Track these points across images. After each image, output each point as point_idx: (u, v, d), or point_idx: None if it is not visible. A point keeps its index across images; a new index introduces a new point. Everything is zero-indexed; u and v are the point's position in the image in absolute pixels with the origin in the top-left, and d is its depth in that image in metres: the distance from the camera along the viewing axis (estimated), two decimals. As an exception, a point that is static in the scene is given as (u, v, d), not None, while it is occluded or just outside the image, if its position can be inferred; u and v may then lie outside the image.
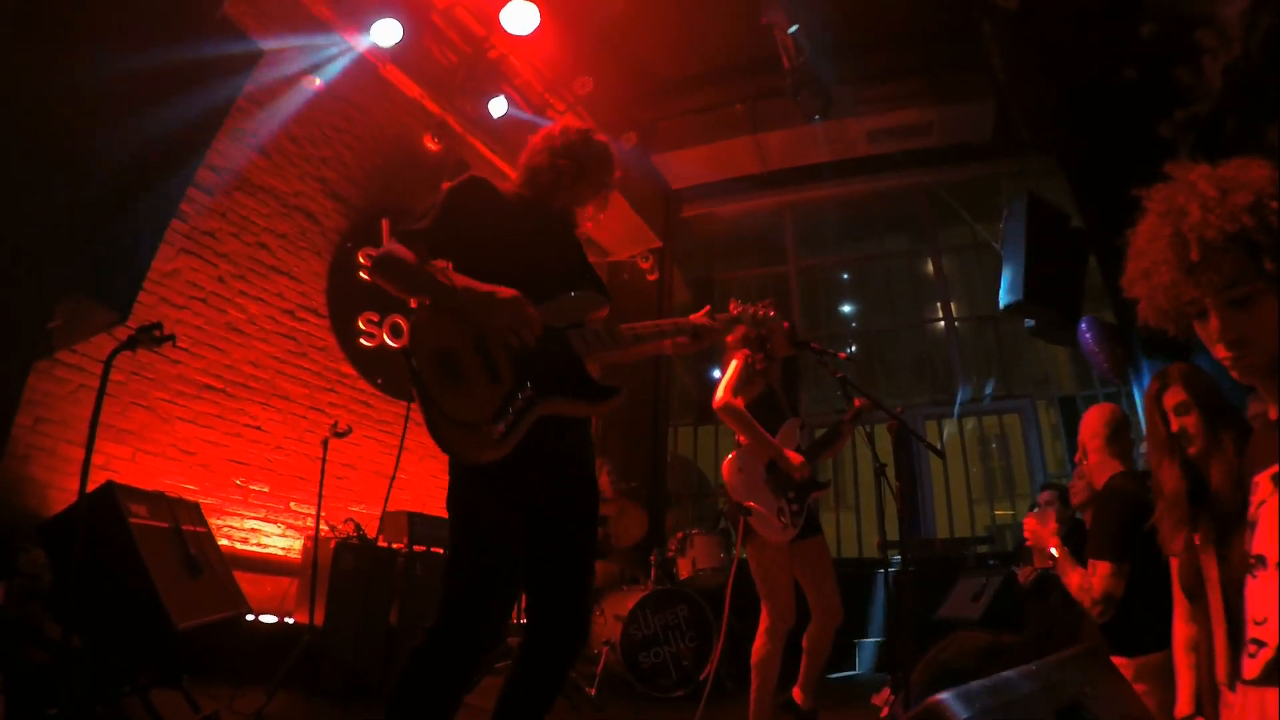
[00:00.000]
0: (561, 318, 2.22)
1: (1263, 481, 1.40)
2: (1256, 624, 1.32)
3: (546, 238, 2.35)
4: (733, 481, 3.60)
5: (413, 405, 6.60)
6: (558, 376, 2.17)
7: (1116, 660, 2.57)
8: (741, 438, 3.76)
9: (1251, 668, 1.31)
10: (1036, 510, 3.22)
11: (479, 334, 2.08)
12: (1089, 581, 2.68)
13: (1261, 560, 1.34)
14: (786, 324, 3.85)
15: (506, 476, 2.06)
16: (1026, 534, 3.07)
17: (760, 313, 2.76)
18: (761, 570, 3.57)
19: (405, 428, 2.08)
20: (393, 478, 2.31)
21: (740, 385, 3.72)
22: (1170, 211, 1.37)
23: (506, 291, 2.05)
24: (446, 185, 2.25)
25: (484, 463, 2.01)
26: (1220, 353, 1.37)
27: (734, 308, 2.74)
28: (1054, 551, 2.89)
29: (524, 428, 2.06)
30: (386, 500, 2.27)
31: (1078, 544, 3.16)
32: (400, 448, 1.95)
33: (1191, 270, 1.33)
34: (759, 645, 3.54)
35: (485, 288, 2.06)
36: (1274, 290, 1.30)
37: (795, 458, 3.65)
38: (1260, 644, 1.30)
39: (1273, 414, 1.42)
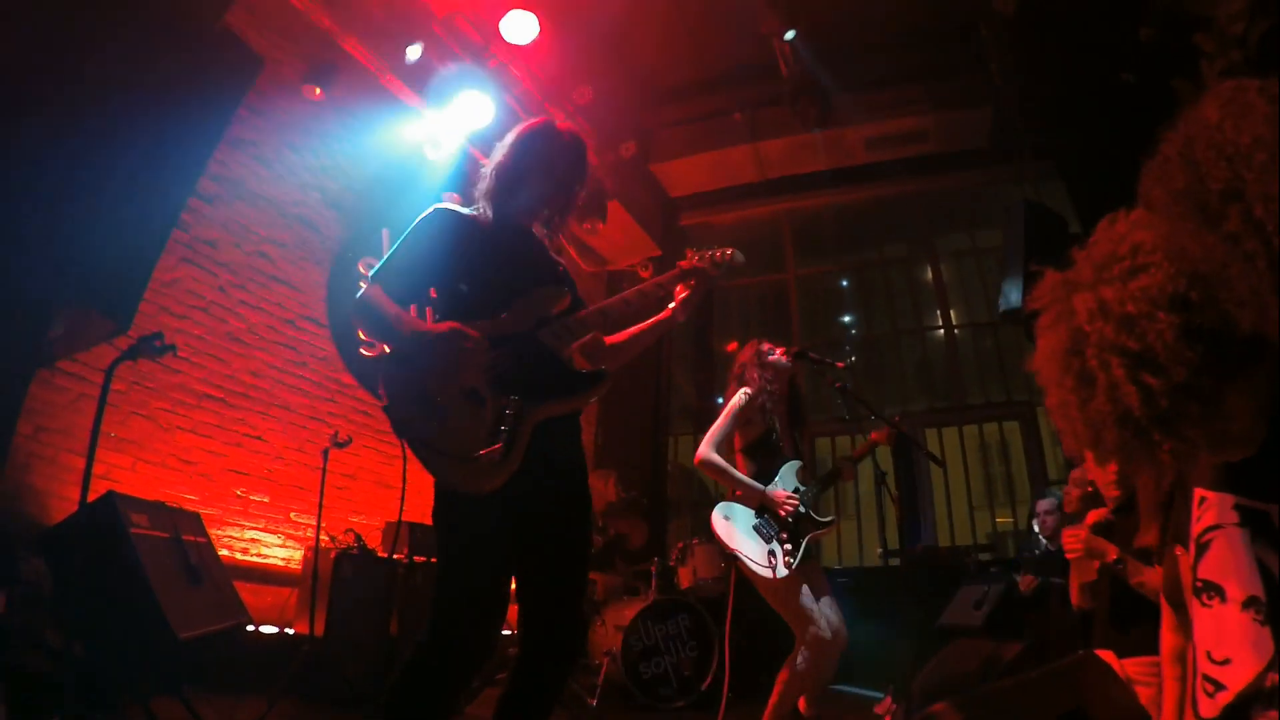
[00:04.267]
0: (527, 319, 2.22)
1: (1213, 500, 1.28)
2: (1214, 662, 1.23)
3: (508, 249, 2.33)
4: (719, 529, 3.63)
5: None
6: (540, 379, 2.16)
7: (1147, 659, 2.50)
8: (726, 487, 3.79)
9: (1209, 707, 1.23)
10: (1067, 526, 3.00)
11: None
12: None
13: (1217, 590, 1.25)
14: (775, 347, 3.88)
15: (497, 492, 2.04)
16: (1075, 545, 2.81)
17: (719, 256, 2.57)
18: (777, 600, 3.55)
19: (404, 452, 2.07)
20: (403, 492, 2.29)
21: (734, 426, 3.74)
22: (1078, 385, 1.11)
23: (440, 327, 2.06)
24: (416, 221, 2.29)
25: (489, 489, 2.00)
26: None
27: (691, 254, 2.58)
28: (1118, 556, 2.67)
29: (523, 440, 2.06)
30: (401, 510, 2.25)
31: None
32: (405, 458, 1.93)
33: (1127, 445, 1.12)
34: (796, 659, 3.51)
35: (423, 328, 2.08)
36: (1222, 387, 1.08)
37: (780, 495, 3.65)
38: (1219, 685, 1.21)
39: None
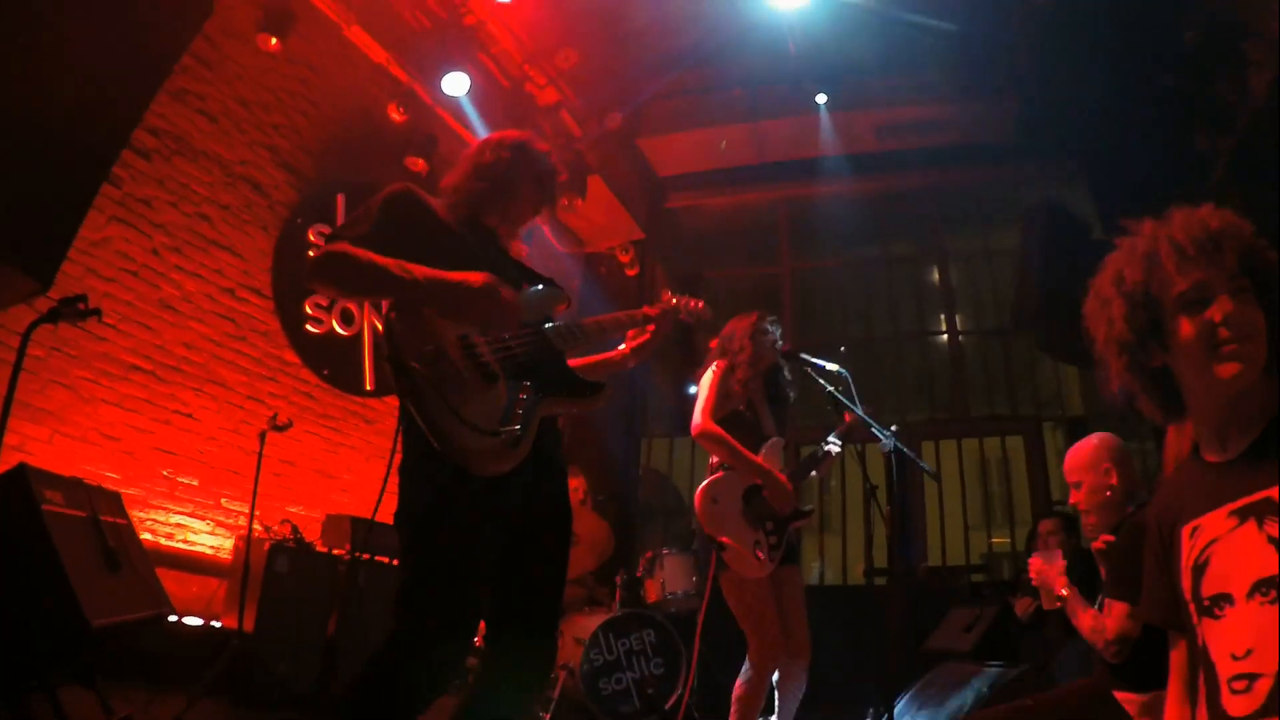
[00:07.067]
0: (530, 314, 2.25)
1: (1208, 524, 1.48)
2: (1237, 659, 1.37)
3: (477, 250, 2.31)
4: (705, 513, 3.62)
5: (366, 400, 6.63)
6: (549, 373, 2.21)
7: (1124, 695, 2.61)
8: (715, 460, 3.81)
9: (1246, 703, 1.35)
10: (1041, 550, 3.22)
11: (460, 331, 2.05)
12: (1102, 623, 2.68)
13: (1224, 598, 1.41)
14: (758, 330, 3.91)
15: (486, 486, 2.01)
16: (1031, 573, 3.08)
17: (693, 305, 2.85)
18: (743, 606, 3.59)
19: (399, 430, 2.04)
20: (384, 484, 2.23)
21: (718, 404, 3.76)
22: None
23: (477, 276, 2.02)
24: (380, 195, 2.22)
25: (497, 472, 1.98)
26: (1222, 351, 1.42)
27: (667, 297, 2.81)
28: (1063, 593, 2.90)
29: (533, 430, 2.07)
30: (379, 503, 2.22)
31: (1084, 574, 3.20)
32: (393, 450, 1.92)
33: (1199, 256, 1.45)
34: (744, 679, 3.56)
35: (454, 275, 2.02)
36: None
37: (787, 485, 3.66)
38: (1252, 676, 1.34)
39: (1211, 457, 1.54)
